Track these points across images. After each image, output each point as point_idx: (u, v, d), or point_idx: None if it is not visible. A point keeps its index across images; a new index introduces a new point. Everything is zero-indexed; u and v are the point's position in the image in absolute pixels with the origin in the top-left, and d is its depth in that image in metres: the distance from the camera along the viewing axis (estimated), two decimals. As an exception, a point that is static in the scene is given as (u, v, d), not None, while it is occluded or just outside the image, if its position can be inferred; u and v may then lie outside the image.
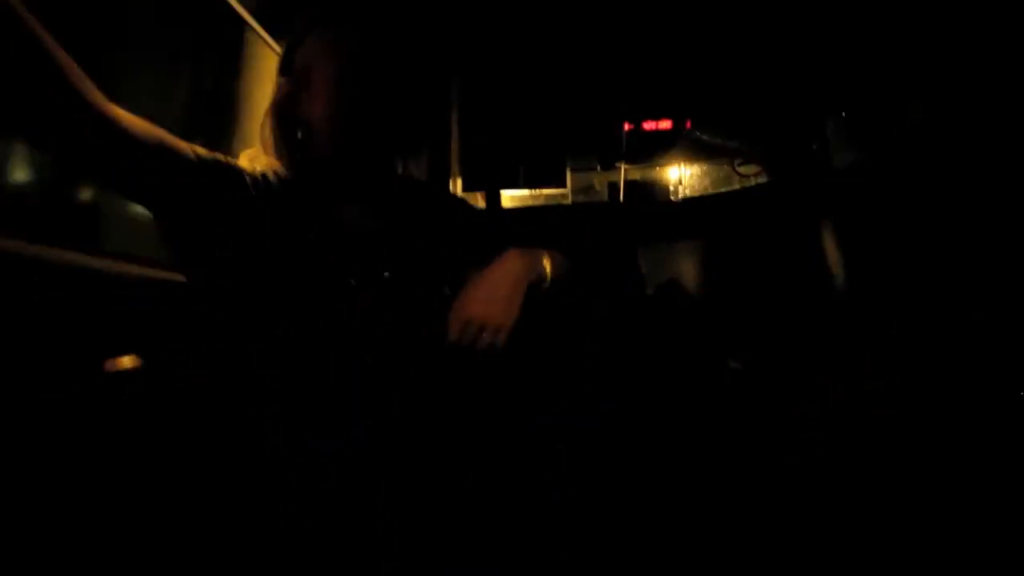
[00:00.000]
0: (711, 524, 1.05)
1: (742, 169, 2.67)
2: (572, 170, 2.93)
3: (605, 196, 3.02)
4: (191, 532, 0.91)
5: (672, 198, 2.85)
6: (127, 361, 0.98)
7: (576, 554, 0.74)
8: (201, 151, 0.86)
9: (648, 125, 2.82)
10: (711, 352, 1.63)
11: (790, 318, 1.83)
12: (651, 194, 2.84)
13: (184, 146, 0.83)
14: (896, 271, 1.65)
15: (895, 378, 1.19)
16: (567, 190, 2.83)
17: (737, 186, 2.73)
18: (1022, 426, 1.07)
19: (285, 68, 1.00)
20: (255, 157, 1.01)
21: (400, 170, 1.15)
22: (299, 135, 0.97)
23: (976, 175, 1.55)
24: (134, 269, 1.12)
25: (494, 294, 0.91)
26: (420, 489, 0.79)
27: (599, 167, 2.96)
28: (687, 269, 2.22)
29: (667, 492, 1.07)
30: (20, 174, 0.98)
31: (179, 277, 1.01)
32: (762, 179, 2.62)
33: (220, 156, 0.91)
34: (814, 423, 1.10)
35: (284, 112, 0.98)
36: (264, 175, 0.97)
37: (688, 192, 3.07)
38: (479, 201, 2.61)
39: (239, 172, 0.93)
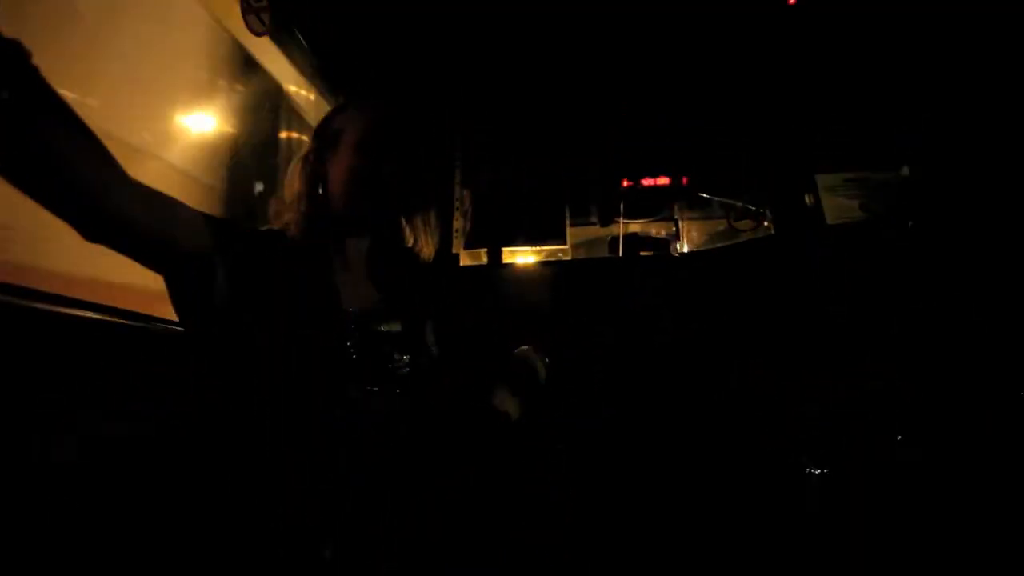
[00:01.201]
0: (710, 524, 1.03)
1: (739, 224, 2.72)
2: (571, 225, 2.98)
3: (605, 251, 3.05)
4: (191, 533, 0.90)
5: (671, 253, 2.89)
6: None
7: (576, 554, 0.73)
8: (213, 217, 0.90)
9: (647, 182, 2.89)
10: (713, 354, 1.63)
11: (790, 320, 1.83)
12: (650, 249, 2.88)
13: (198, 216, 0.87)
14: (894, 276, 1.67)
15: (895, 378, 1.19)
16: (567, 245, 2.87)
17: (734, 241, 2.77)
18: (1022, 426, 1.06)
19: (321, 131, 1.09)
20: (279, 208, 1.06)
21: (408, 231, 1.18)
22: (320, 191, 1.03)
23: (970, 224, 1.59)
24: (128, 320, 1.14)
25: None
26: (421, 489, 0.79)
27: (598, 223, 3.01)
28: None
29: (667, 492, 1.06)
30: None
31: (176, 328, 1.02)
32: (759, 234, 2.66)
33: (231, 220, 0.95)
34: (814, 423, 1.10)
35: (310, 167, 1.05)
36: (278, 232, 1.01)
37: (687, 247, 3.11)
38: (481, 258, 2.65)
39: (247, 235, 0.96)
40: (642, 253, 2.79)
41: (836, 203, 2.34)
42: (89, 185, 0.70)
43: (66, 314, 1.00)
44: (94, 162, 0.70)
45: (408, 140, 1.10)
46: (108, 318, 1.10)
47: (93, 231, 0.74)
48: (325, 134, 1.09)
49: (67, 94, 0.71)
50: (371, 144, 1.05)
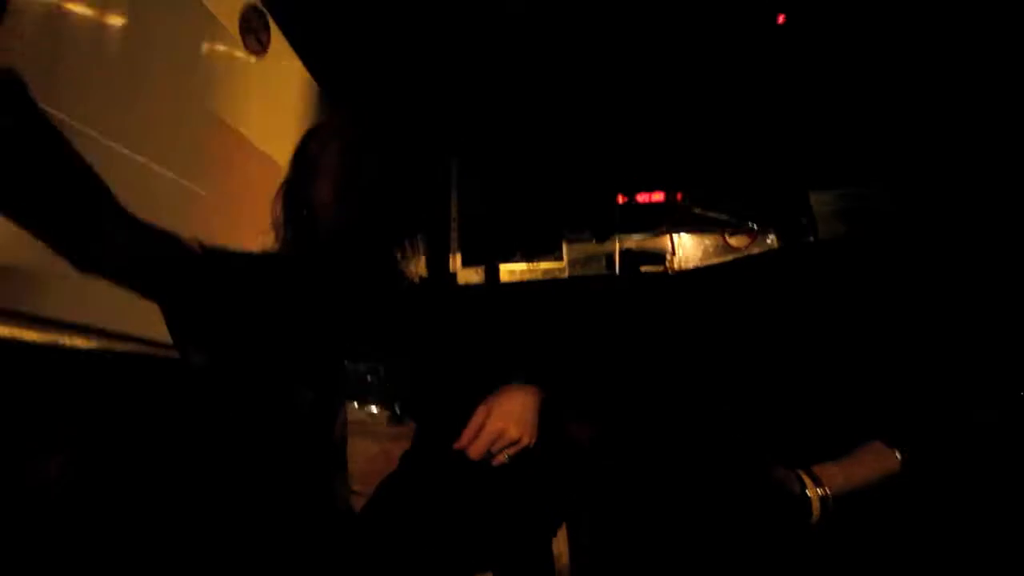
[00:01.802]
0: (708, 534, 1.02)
1: (732, 240, 2.73)
2: (568, 242, 3.00)
3: (602, 267, 3.07)
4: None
5: (667, 269, 2.90)
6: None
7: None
8: (207, 245, 0.90)
9: (642, 198, 2.91)
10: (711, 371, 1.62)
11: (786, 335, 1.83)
12: (645, 265, 2.89)
13: (193, 246, 0.88)
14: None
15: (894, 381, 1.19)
16: (563, 263, 2.88)
17: (729, 256, 2.78)
18: (1022, 426, 1.06)
19: (300, 155, 1.06)
20: (263, 236, 1.05)
21: (401, 252, 1.18)
22: (304, 215, 1.02)
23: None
24: (126, 347, 1.14)
25: (525, 416, 0.92)
26: (421, 495, 0.79)
27: (594, 239, 3.03)
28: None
29: (664, 510, 1.05)
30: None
31: (172, 354, 1.02)
32: (753, 250, 2.67)
33: (224, 248, 0.95)
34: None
35: (293, 193, 1.03)
36: (269, 257, 1.01)
37: (682, 262, 3.12)
38: (479, 275, 2.66)
39: (239, 260, 0.96)
40: (639, 269, 2.80)
41: (829, 220, 2.36)
42: (80, 217, 0.70)
43: (61, 344, 1.00)
44: (85, 193, 0.71)
45: (391, 159, 1.08)
46: (105, 345, 1.10)
47: (85, 262, 0.74)
48: (304, 158, 1.06)
49: (56, 114, 0.71)
50: (353, 165, 1.03)
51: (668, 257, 3.04)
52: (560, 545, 0.84)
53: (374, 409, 0.99)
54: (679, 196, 2.86)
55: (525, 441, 0.89)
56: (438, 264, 2.56)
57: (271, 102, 1.82)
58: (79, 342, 1.04)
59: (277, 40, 1.85)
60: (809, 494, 1.06)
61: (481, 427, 0.89)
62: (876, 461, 1.14)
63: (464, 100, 2.56)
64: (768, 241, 2.66)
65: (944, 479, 1.05)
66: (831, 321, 2.02)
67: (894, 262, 1.86)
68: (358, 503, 0.89)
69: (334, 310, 1.04)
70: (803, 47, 2.31)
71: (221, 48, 1.65)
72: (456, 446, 0.88)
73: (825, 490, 1.07)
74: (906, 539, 1.03)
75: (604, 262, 3.03)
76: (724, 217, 2.76)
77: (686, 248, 3.07)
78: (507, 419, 0.90)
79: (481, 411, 0.91)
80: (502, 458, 0.88)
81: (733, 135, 2.67)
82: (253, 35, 1.78)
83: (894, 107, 2.15)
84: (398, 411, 1.00)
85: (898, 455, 1.12)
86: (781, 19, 2.37)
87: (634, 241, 3.06)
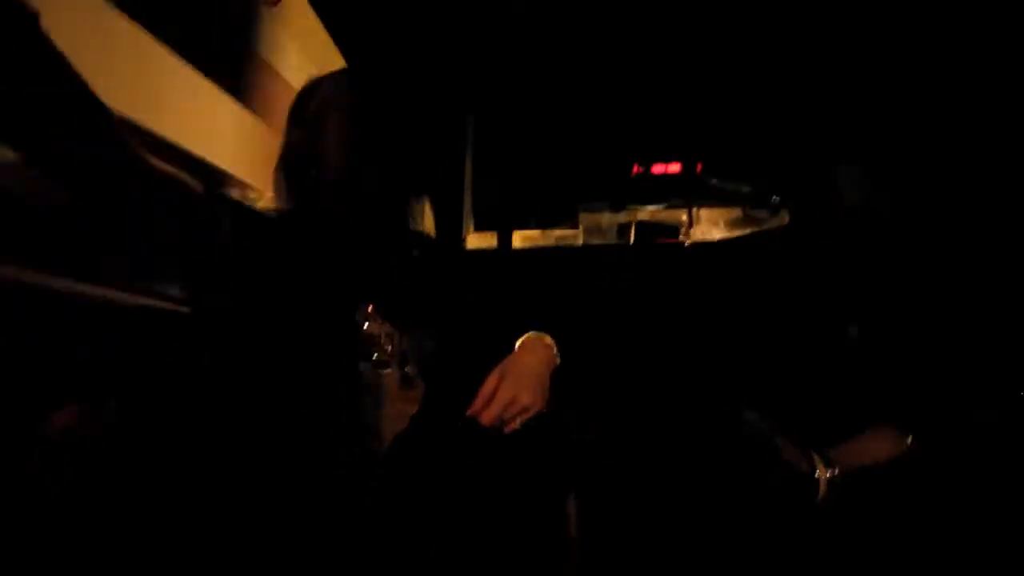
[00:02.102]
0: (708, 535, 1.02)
1: (754, 213, 2.68)
2: (583, 211, 2.96)
3: (615, 237, 3.03)
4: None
5: (682, 241, 2.86)
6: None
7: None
8: (222, 193, 0.88)
9: (657, 168, 2.85)
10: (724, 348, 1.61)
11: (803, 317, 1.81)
12: (661, 236, 2.85)
13: (199, 185, 0.85)
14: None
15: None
16: (578, 231, 2.85)
17: (748, 230, 2.73)
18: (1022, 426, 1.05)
19: (297, 116, 1.01)
20: (270, 200, 1.02)
21: (411, 214, 1.16)
22: (311, 182, 0.98)
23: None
24: (135, 298, 1.13)
25: (537, 382, 0.92)
26: (421, 494, 0.78)
27: (609, 209, 2.99)
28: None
29: (671, 489, 1.04)
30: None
31: (182, 308, 1.01)
32: (774, 223, 2.62)
33: (239, 197, 0.93)
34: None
35: (297, 159, 0.99)
36: (279, 213, 0.98)
37: (699, 234, 3.07)
38: (492, 240, 2.63)
39: (254, 212, 0.94)
40: (654, 240, 2.76)
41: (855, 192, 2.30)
42: (100, 167, 0.68)
43: (74, 291, 0.99)
44: (106, 145, 0.69)
45: (398, 118, 1.04)
46: (115, 295, 1.09)
47: (92, 205, 0.72)
48: (303, 119, 1.01)
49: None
50: (366, 119, 0.99)
51: (684, 229, 2.99)
52: (569, 510, 0.83)
53: (386, 371, 0.98)
54: (699, 167, 2.79)
55: (537, 407, 0.89)
56: (449, 228, 2.53)
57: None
58: (88, 292, 1.04)
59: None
60: (818, 474, 1.05)
61: (493, 393, 0.88)
62: (885, 443, 1.13)
63: (481, 62, 2.50)
64: (789, 215, 2.60)
65: (943, 480, 1.03)
66: (845, 300, 1.98)
67: (907, 250, 1.81)
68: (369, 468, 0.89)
69: (343, 273, 1.02)
70: (830, 13, 2.22)
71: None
72: (469, 412, 0.87)
73: (833, 470, 1.07)
74: (904, 540, 1.02)
75: (618, 232, 2.99)
76: (744, 189, 2.70)
77: (703, 220, 3.02)
78: (519, 385, 0.89)
79: (493, 377, 0.90)
80: (515, 425, 0.87)
81: (755, 104, 2.60)
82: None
83: (923, 79, 2.07)
84: (409, 373, 0.99)
85: (907, 440, 1.11)
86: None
87: (649, 212, 3.01)
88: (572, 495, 0.90)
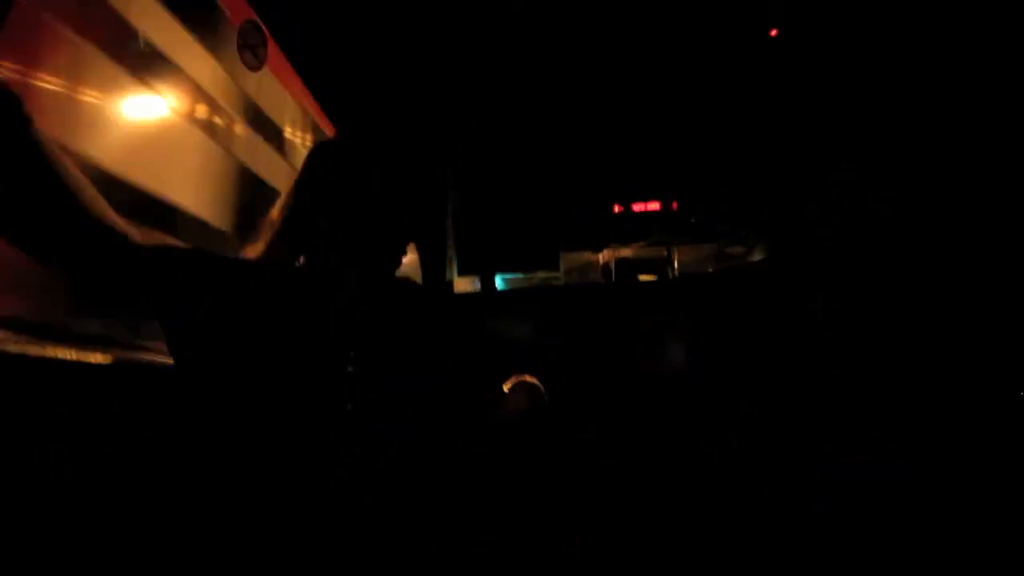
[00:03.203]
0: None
1: (729, 250, 2.75)
2: (564, 251, 3.01)
3: (598, 276, 3.08)
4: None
5: (661, 277, 2.92)
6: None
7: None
8: (208, 254, 0.91)
9: (637, 207, 2.93)
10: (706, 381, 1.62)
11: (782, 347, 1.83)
12: (641, 273, 2.91)
13: (190, 254, 0.89)
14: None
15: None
16: (559, 272, 2.90)
17: (725, 265, 2.80)
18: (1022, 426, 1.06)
19: (305, 175, 1.08)
20: (259, 253, 1.06)
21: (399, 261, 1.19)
22: (302, 236, 1.03)
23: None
24: (119, 355, 1.14)
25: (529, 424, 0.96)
26: (422, 496, 0.79)
27: (590, 249, 3.05)
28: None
29: (658, 522, 1.05)
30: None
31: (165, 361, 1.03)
32: (749, 259, 2.69)
33: (227, 255, 0.96)
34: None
35: (291, 214, 1.05)
36: (268, 269, 1.01)
37: (678, 270, 3.14)
38: (475, 285, 2.67)
39: (244, 268, 0.97)
40: (635, 277, 2.82)
41: (823, 228, 2.38)
42: (75, 230, 0.71)
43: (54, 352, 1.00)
44: (79, 208, 0.71)
45: (392, 171, 1.10)
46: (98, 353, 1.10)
47: (82, 276, 0.74)
48: (308, 179, 1.08)
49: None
50: (357, 180, 1.05)
51: (664, 266, 3.06)
52: (570, 511, 0.84)
53: (373, 413, 0.99)
54: (675, 205, 2.88)
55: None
56: (435, 273, 2.57)
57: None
58: (71, 350, 1.05)
59: (275, 55, 1.87)
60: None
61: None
62: None
63: (459, 111, 2.58)
64: (763, 250, 2.68)
65: (943, 480, 1.05)
66: (825, 329, 2.03)
67: (889, 270, 1.87)
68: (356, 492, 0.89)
69: (334, 317, 1.05)
70: (797, 57, 2.34)
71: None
72: None
73: None
74: (903, 540, 1.03)
75: (600, 272, 3.05)
76: (720, 227, 2.79)
77: (682, 257, 3.09)
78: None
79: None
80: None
81: (729, 146, 2.70)
82: (249, 51, 1.79)
83: (889, 116, 2.17)
84: (397, 415, 1.01)
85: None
86: (774, 33, 2.41)
87: (630, 250, 3.08)
88: (572, 495, 0.91)
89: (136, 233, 0.78)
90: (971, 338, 1.45)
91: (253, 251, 1.09)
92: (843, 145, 2.41)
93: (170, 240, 0.87)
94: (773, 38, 2.38)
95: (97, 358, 1.07)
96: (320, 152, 1.12)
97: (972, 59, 1.82)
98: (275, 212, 1.09)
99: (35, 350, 0.94)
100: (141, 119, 1.37)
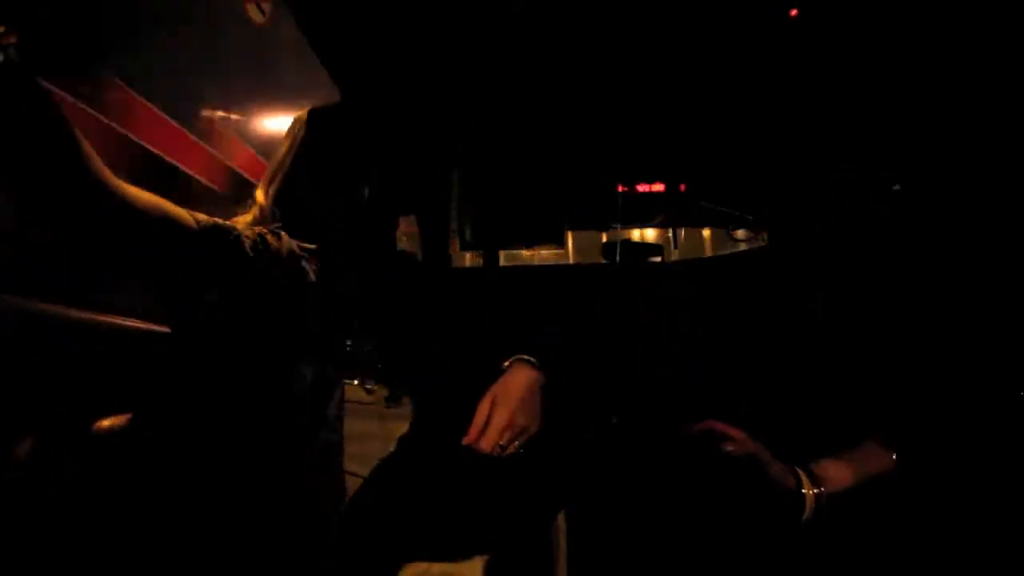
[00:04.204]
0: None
1: (736, 234, 2.72)
2: (570, 230, 2.98)
3: (601, 256, 3.05)
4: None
5: (665, 260, 2.89)
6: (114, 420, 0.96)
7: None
8: (201, 217, 0.88)
9: (642, 187, 2.88)
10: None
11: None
12: (646, 255, 2.88)
13: (185, 213, 0.86)
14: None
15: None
16: (564, 251, 2.86)
17: (730, 249, 2.77)
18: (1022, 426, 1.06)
19: (297, 141, 1.05)
20: (252, 221, 1.03)
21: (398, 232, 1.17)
22: (302, 200, 1.01)
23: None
24: (113, 321, 1.12)
25: (529, 403, 0.93)
26: (424, 483, 0.78)
27: (595, 228, 3.01)
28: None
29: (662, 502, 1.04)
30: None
31: (161, 328, 1.00)
32: (755, 244, 2.66)
33: (219, 221, 0.93)
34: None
35: (289, 179, 1.02)
36: (261, 236, 0.99)
37: (682, 253, 3.11)
38: (478, 260, 2.64)
39: (237, 235, 0.94)
40: (639, 258, 2.79)
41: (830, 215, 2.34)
42: (75, 199, 0.68)
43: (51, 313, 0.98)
44: (80, 173, 0.68)
45: (393, 140, 1.07)
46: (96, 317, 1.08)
47: (81, 248, 0.72)
48: (301, 145, 1.05)
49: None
50: (357, 149, 1.03)
51: (668, 248, 3.03)
52: (558, 532, 0.83)
53: (371, 388, 0.98)
54: (682, 187, 2.84)
55: (533, 429, 0.89)
56: (437, 248, 2.54)
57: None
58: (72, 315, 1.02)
59: (278, 7, 1.82)
60: (804, 491, 1.05)
61: (487, 420, 0.88)
62: (871, 461, 1.13)
63: (466, 81, 2.53)
64: (769, 235, 2.65)
65: (940, 480, 1.04)
66: (828, 316, 2.01)
67: (893, 259, 1.84)
68: (353, 483, 0.88)
69: (332, 290, 1.03)
70: (814, 39, 2.28)
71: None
72: (466, 441, 0.87)
73: (820, 488, 1.07)
74: (902, 541, 1.02)
75: (604, 251, 3.02)
76: (727, 210, 2.75)
77: (687, 240, 3.06)
78: (511, 408, 0.90)
79: (485, 403, 0.91)
80: (513, 448, 0.88)
81: (738, 126, 2.65)
82: (254, 3, 1.74)
83: (904, 103, 2.13)
84: (395, 391, 0.99)
85: (893, 456, 1.11)
86: (794, 13, 2.34)
87: (635, 231, 3.04)
88: (570, 500, 0.90)
89: (129, 192, 0.75)
90: (971, 338, 1.43)
91: (247, 216, 1.06)
92: (848, 140, 2.36)
93: (162, 200, 0.84)
94: (793, 18, 2.31)
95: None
96: (320, 117, 1.08)
97: (973, 59, 1.77)
98: (268, 176, 1.05)
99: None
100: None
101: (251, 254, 0.93)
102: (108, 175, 0.72)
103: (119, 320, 1.14)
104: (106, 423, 0.91)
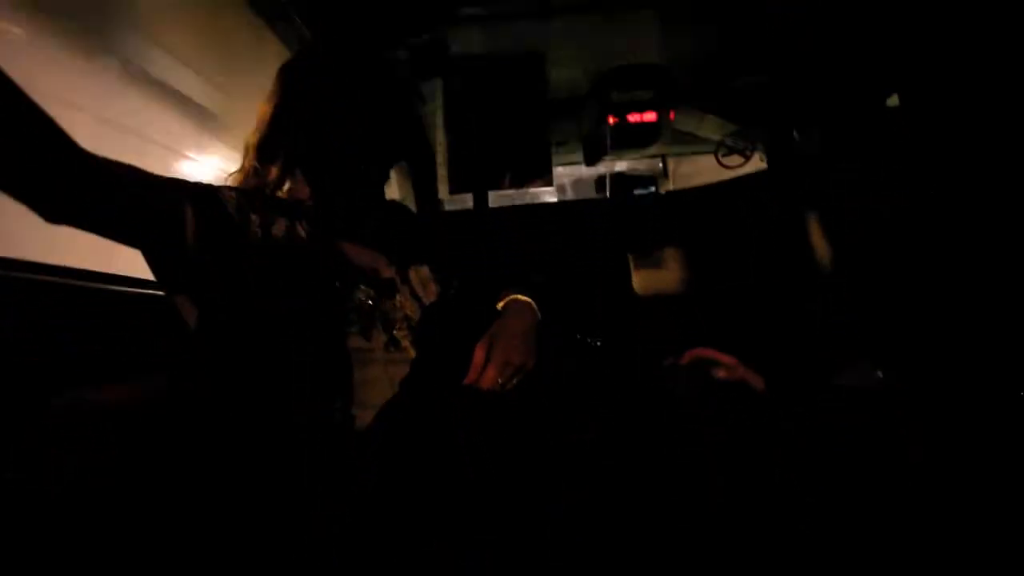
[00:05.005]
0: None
1: (726, 160, 2.69)
2: (557, 165, 2.93)
3: (592, 191, 3.03)
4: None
5: (658, 190, 2.87)
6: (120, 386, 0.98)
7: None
8: (184, 182, 0.88)
9: (633, 117, 2.82)
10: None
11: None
12: (637, 188, 2.86)
13: (165, 180, 0.85)
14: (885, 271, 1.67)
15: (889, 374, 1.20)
16: (553, 188, 2.83)
17: (722, 177, 2.75)
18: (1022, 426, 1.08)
19: (283, 90, 1.04)
20: (240, 180, 1.03)
21: (388, 178, 1.16)
22: (282, 161, 1.00)
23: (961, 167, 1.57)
24: (115, 286, 1.13)
25: (525, 341, 0.96)
26: (419, 495, 0.80)
27: (584, 162, 2.97)
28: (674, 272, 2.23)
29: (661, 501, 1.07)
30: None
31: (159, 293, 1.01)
32: (746, 170, 2.64)
33: (202, 183, 0.93)
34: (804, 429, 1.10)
35: (269, 140, 1.01)
36: (249, 197, 0.98)
37: (674, 183, 3.09)
38: (467, 202, 2.62)
39: (222, 198, 0.94)
40: (631, 192, 2.77)
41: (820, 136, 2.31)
42: (45, 164, 0.67)
43: (44, 281, 0.98)
44: (47, 138, 0.67)
45: (378, 85, 1.06)
46: (88, 283, 1.09)
47: (54, 213, 0.71)
48: (288, 93, 1.03)
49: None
50: (344, 96, 1.01)
51: (660, 179, 3.00)
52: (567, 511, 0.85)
53: (371, 334, 0.99)
54: (672, 115, 2.77)
55: (530, 365, 0.93)
56: (426, 191, 2.51)
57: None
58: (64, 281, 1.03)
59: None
60: None
61: (485, 360, 0.92)
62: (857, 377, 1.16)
63: (448, 24, 2.42)
64: (761, 161, 2.62)
65: (940, 480, 1.05)
66: (820, 244, 2.02)
67: (889, 270, 1.81)
68: (359, 427, 0.91)
69: (329, 238, 1.03)
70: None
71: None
72: (467, 381, 0.91)
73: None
74: (901, 542, 1.05)
75: (594, 185, 2.99)
76: (717, 137, 2.71)
77: (678, 169, 3.03)
78: (509, 348, 0.93)
79: (482, 345, 0.94)
80: (511, 385, 0.92)
81: (728, 52, 2.57)
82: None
83: (892, 115, 2.03)
84: (395, 335, 1.01)
85: (879, 374, 1.14)
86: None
87: (625, 163, 3.01)
88: (572, 495, 0.92)
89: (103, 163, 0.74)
90: (971, 338, 1.43)
91: (236, 174, 1.05)
92: (846, 52, 2.28)
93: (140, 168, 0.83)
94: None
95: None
96: (299, 64, 1.06)
97: (974, 59, 1.69)
98: (254, 130, 1.04)
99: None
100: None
101: (236, 217, 0.93)
102: (83, 150, 0.71)
103: (114, 285, 1.15)
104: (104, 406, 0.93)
